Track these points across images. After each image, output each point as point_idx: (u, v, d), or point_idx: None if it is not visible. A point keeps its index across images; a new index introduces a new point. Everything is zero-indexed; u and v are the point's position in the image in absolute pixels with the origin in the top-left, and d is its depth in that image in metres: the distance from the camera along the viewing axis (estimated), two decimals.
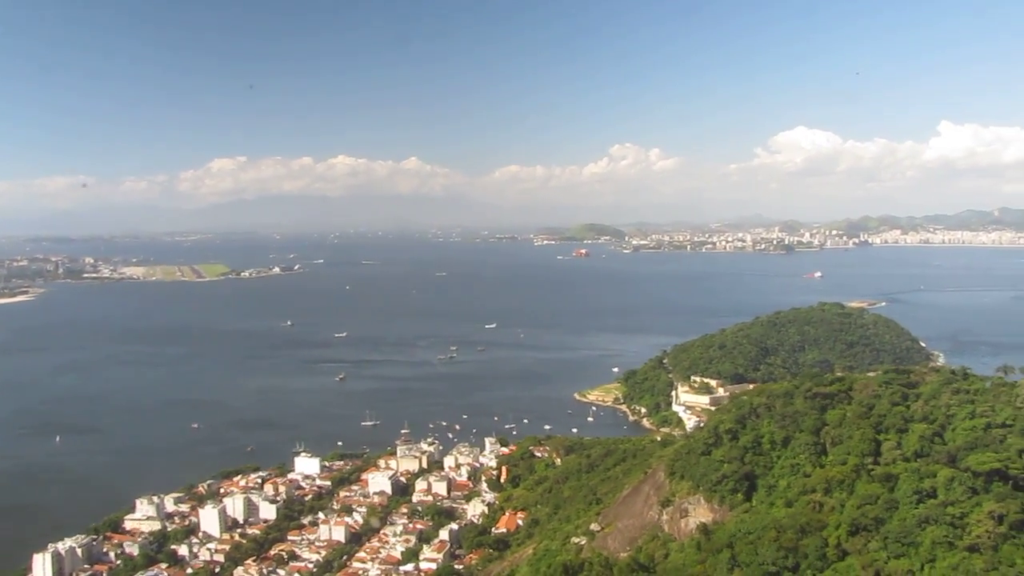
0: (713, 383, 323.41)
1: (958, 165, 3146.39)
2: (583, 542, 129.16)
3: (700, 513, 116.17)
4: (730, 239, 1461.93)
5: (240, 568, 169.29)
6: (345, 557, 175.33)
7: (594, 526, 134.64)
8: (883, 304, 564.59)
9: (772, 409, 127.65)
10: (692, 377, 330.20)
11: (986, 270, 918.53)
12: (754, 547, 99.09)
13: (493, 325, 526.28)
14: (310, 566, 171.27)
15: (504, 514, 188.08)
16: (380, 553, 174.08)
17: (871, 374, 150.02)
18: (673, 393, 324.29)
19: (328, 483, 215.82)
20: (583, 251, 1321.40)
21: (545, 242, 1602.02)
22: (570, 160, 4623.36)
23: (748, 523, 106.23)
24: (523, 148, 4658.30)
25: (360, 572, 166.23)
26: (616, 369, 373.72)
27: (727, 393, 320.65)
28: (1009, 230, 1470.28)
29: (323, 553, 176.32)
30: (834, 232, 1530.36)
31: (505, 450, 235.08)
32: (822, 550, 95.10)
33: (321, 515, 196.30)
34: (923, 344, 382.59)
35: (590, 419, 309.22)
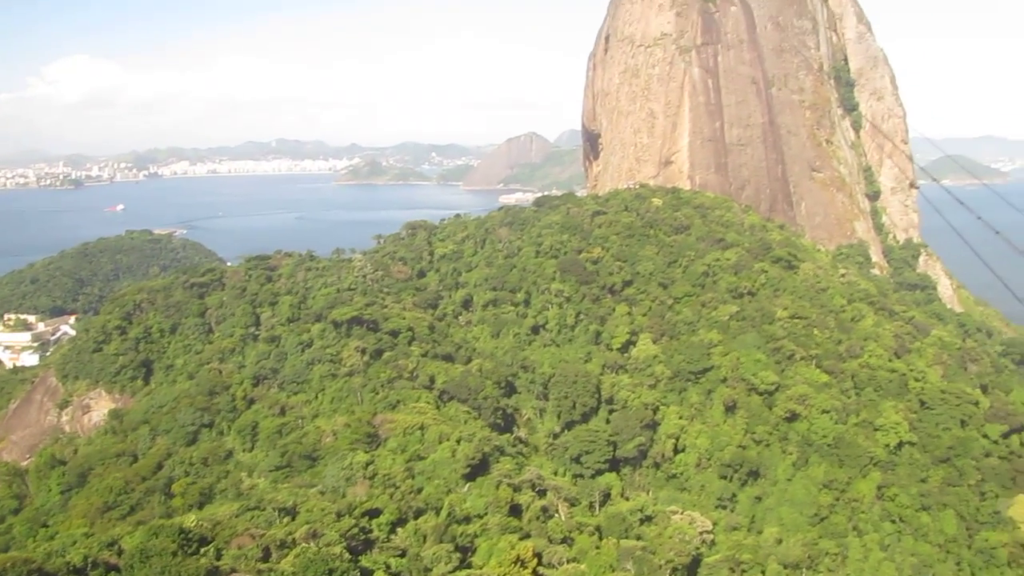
0: (31, 319, 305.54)
1: (239, 99, 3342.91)
2: None
3: (103, 405, 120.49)
4: (10, 175, 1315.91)
5: None
6: None
7: None
8: (185, 231, 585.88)
9: (155, 303, 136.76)
10: (6, 315, 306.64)
11: (271, 196, 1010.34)
12: (171, 415, 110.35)
13: None
14: None
15: None
16: None
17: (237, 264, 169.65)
18: None
19: None
20: None
21: None
22: None
23: (158, 399, 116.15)
24: None
25: None
26: None
27: (49, 328, 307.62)
28: (286, 158, 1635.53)
29: None
30: (124, 165, 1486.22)
31: None
32: (232, 403, 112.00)
33: None
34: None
35: None
